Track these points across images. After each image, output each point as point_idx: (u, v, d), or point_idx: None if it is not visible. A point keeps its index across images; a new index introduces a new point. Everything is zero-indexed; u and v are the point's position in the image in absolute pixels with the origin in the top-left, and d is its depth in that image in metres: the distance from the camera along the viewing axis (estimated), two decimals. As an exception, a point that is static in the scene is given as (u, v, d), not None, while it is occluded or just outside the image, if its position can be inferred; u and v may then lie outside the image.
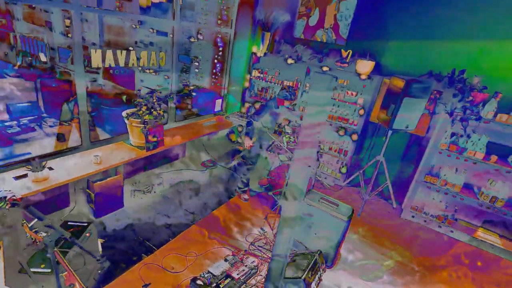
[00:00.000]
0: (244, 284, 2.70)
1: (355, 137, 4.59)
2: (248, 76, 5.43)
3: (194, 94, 6.17)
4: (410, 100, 3.76)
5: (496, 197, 3.75)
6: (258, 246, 3.34)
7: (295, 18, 4.99)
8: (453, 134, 3.92)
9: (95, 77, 6.30)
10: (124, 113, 3.66)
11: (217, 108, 5.72)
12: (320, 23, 4.76)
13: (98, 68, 6.37)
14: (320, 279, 2.90)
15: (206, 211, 3.84)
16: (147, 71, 6.48)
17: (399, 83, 3.80)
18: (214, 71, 5.43)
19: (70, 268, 1.97)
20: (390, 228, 4.13)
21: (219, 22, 4.95)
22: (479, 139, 3.72)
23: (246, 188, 4.32)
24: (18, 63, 7.63)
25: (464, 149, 3.81)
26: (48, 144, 4.09)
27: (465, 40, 3.91)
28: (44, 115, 5.47)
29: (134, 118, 3.61)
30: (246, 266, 2.88)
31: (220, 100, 5.82)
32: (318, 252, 2.97)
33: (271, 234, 3.58)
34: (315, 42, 4.91)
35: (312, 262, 2.82)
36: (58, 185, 2.85)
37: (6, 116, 5.08)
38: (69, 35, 3.92)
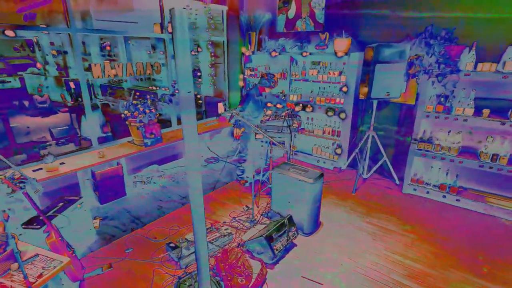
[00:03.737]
0: (211, 244, 2.90)
1: (343, 115, 4.58)
2: (241, 76, 5.81)
3: (200, 101, 6.75)
4: (383, 66, 3.74)
5: (497, 155, 3.42)
6: (239, 219, 3.51)
7: (276, 14, 5.30)
8: (439, 96, 3.73)
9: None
10: (122, 115, 4.25)
11: (220, 110, 6.16)
12: (298, 14, 4.99)
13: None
14: (290, 242, 2.95)
15: (199, 195, 4.13)
16: (163, 89, 7.31)
17: (370, 52, 3.82)
18: (213, 78, 5.95)
19: (52, 225, 2.41)
20: (387, 203, 3.95)
21: (211, 32, 5.49)
22: (469, 98, 3.49)
23: (243, 175, 4.55)
24: (71, 102, 9.17)
25: (450, 107, 3.60)
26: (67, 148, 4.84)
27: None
28: (79, 134, 6.47)
29: (130, 118, 4.17)
30: (219, 232, 3.08)
31: (222, 102, 6.28)
32: (288, 217, 3.05)
33: (256, 211, 3.72)
34: (296, 33, 5.13)
35: (279, 224, 2.92)
36: (65, 173, 3.44)
37: (49, 138, 6.12)
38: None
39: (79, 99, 8.07)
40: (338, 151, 4.79)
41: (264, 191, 4.20)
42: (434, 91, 3.73)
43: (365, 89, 4.05)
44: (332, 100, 4.70)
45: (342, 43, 4.39)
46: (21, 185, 2.24)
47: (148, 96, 4.38)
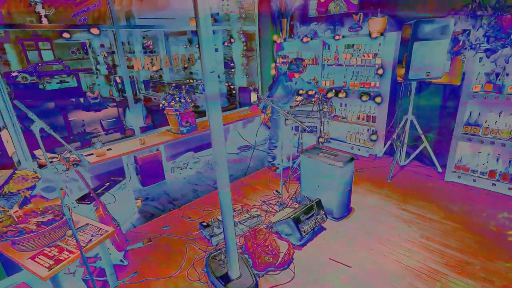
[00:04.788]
0: (241, 224, 3.01)
1: (379, 99, 4.37)
2: (273, 64, 5.80)
3: (234, 92, 6.90)
4: (423, 44, 3.48)
5: (559, 138, 3.02)
6: (269, 203, 3.58)
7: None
8: (488, 74, 3.38)
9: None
10: (160, 105, 4.53)
11: (253, 99, 6.25)
12: (330, -4, 4.83)
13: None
14: (318, 225, 2.94)
15: (232, 181, 4.28)
16: (199, 81, 7.61)
17: (408, 30, 3.58)
18: (245, 67, 6.03)
19: (100, 200, 2.71)
20: (427, 191, 3.72)
21: (242, 22, 5.56)
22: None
23: (274, 161, 4.61)
24: (118, 97, 9.99)
25: (502, 86, 3.24)
26: (114, 137, 5.29)
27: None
28: (124, 125, 7.02)
29: (167, 107, 4.43)
30: (248, 214, 3.18)
31: (255, 92, 6.35)
32: (316, 200, 3.04)
33: (286, 196, 3.75)
34: (328, 16, 4.97)
35: (307, 207, 2.93)
36: (112, 158, 3.80)
37: (100, 129, 6.74)
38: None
39: (124, 94, 8.74)
40: (374, 137, 4.60)
41: (295, 177, 4.21)
42: (483, 68, 3.38)
43: (402, 71, 3.81)
44: (366, 84, 4.51)
45: (377, 23, 4.16)
46: (73, 164, 2.55)
47: (183, 86, 4.61)
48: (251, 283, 2.30)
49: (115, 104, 10.04)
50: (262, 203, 3.61)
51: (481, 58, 3.30)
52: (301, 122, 3.51)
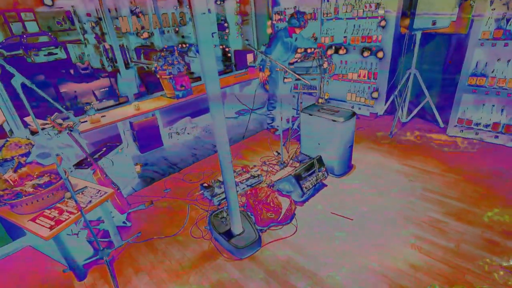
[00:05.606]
0: (242, 184, 3.01)
1: (381, 54, 4.17)
2: (269, 22, 5.49)
3: (229, 55, 6.60)
4: (430, -12, 3.23)
5: None
6: (269, 164, 3.56)
7: None
8: (498, 20, 3.17)
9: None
10: (153, 68, 4.33)
11: (249, 61, 6.01)
12: None
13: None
14: (319, 181, 2.93)
15: (231, 144, 4.23)
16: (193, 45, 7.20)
17: (414, -26, 3.30)
18: (240, 26, 5.71)
19: (97, 164, 2.65)
20: (428, 146, 3.68)
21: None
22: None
23: (273, 123, 4.52)
24: (110, 68, 9.58)
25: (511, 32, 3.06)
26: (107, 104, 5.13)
27: None
28: (118, 94, 6.82)
29: (160, 70, 4.24)
30: (249, 174, 3.16)
31: (252, 54, 6.08)
32: (317, 157, 3.00)
33: (286, 156, 3.72)
34: (328, -36, 4.58)
35: (308, 164, 2.89)
36: (106, 124, 3.69)
37: (93, 99, 6.55)
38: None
39: (115, 63, 8.41)
40: (375, 95, 4.47)
41: (294, 137, 4.15)
42: (493, 14, 3.17)
43: (407, 21, 3.58)
44: (368, 38, 4.28)
45: (380, -32, 3.84)
46: (64, 127, 2.46)
47: (175, 47, 4.37)
48: (254, 237, 2.33)
49: (107, 74, 9.70)
50: (263, 163, 3.59)
51: (492, 1, 3.07)
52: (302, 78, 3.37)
